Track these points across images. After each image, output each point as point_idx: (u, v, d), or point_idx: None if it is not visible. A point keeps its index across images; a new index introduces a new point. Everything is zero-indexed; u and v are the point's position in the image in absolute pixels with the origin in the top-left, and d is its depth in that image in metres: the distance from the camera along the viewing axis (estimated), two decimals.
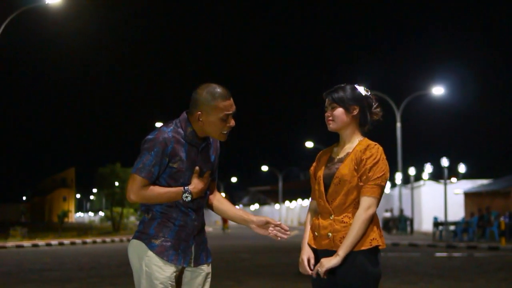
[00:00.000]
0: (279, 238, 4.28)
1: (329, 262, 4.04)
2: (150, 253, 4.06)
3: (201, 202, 4.25)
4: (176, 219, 4.11)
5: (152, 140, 4.05)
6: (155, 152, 4.02)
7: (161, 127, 4.15)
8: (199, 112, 4.06)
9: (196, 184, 4.12)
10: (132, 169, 4.08)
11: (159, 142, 4.04)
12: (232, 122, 4.14)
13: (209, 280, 4.28)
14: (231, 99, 4.12)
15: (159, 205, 4.10)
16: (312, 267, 4.21)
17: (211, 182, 4.32)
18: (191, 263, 4.16)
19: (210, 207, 4.44)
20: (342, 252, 4.04)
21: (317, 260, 4.20)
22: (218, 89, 4.08)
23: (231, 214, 4.41)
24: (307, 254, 4.26)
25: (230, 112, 4.10)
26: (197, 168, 4.14)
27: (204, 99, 4.06)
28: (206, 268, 4.25)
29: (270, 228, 4.26)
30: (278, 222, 4.28)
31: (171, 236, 4.09)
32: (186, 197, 4.08)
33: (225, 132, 4.15)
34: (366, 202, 4.09)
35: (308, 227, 4.40)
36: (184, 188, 4.08)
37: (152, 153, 4.02)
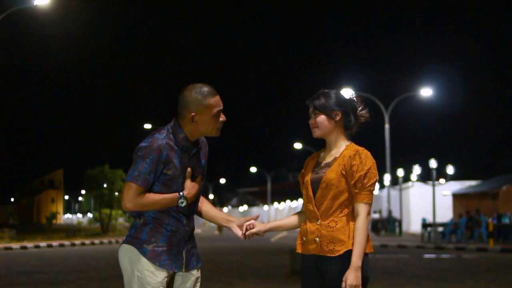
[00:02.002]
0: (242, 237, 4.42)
1: (356, 278, 4.03)
2: (142, 258, 4.07)
3: (192, 207, 4.27)
4: (168, 224, 4.13)
5: (146, 148, 4.05)
6: (150, 159, 4.02)
7: (154, 134, 4.15)
8: (193, 114, 4.09)
9: (189, 189, 4.14)
10: (127, 178, 4.06)
11: (154, 149, 4.04)
12: (223, 117, 4.20)
13: (198, 284, 4.30)
14: (218, 94, 4.19)
15: (151, 210, 4.11)
16: (244, 231, 4.37)
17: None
18: (182, 268, 4.18)
19: (199, 213, 4.48)
20: (359, 260, 4.06)
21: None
22: (205, 88, 4.13)
23: (217, 219, 4.50)
24: (255, 223, 4.43)
25: (221, 107, 4.17)
26: (189, 170, 4.16)
27: (195, 100, 4.09)
28: (196, 273, 4.28)
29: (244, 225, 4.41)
30: (253, 219, 4.44)
31: (163, 242, 4.10)
32: (182, 202, 4.10)
33: (218, 128, 4.20)
34: (364, 209, 4.13)
35: (288, 218, 4.56)
36: (179, 194, 4.09)
37: (148, 160, 4.02)
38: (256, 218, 4.50)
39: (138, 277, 4.06)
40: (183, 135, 4.15)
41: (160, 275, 4.07)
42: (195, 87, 4.13)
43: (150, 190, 4.08)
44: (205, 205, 4.49)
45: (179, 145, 4.14)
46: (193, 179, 4.19)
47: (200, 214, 4.50)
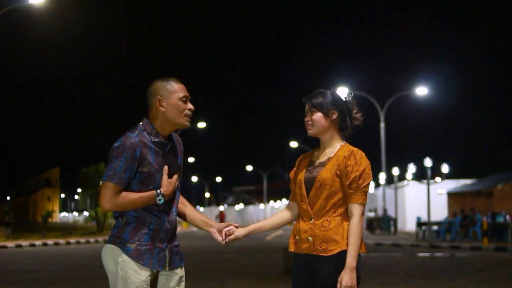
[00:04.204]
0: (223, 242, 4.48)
1: (351, 279, 4.06)
2: (125, 257, 4.07)
3: (172, 204, 4.28)
4: (150, 223, 4.14)
5: (119, 147, 4.08)
6: (125, 157, 4.04)
7: (126, 133, 4.17)
8: (159, 97, 4.18)
9: (166, 186, 4.15)
10: (103, 178, 4.08)
11: (127, 147, 4.06)
12: (191, 106, 4.27)
13: (183, 283, 4.31)
14: (183, 84, 4.30)
15: (133, 209, 4.12)
16: (224, 237, 4.43)
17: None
18: (166, 267, 4.19)
19: (183, 217, 4.52)
20: (353, 261, 4.08)
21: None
22: (170, 78, 4.27)
23: (198, 222, 4.54)
24: (233, 229, 4.48)
25: (187, 94, 4.25)
26: (165, 167, 4.18)
27: (160, 86, 4.22)
28: (180, 272, 4.28)
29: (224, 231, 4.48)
30: (234, 226, 4.50)
31: (146, 240, 4.11)
32: (160, 200, 4.11)
33: (187, 114, 4.25)
34: (359, 209, 4.15)
35: (268, 219, 4.61)
36: (156, 192, 4.11)
37: (122, 158, 4.04)
38: (237, 227, 4.51)
39: (122, 276, 4.07)
40: (155, 131, 4.20)
41: (143, 274, 4.07)
42: (160, 79, 4.28)
43: (127, 189, 4.10)
44: (188, 208, 4.51)
45: (153, 142, 4.18)
46: (170, 176, 4.21)
47: (183, 217, 4.52)
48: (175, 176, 4.24)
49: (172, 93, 4.20)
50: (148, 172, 4.11)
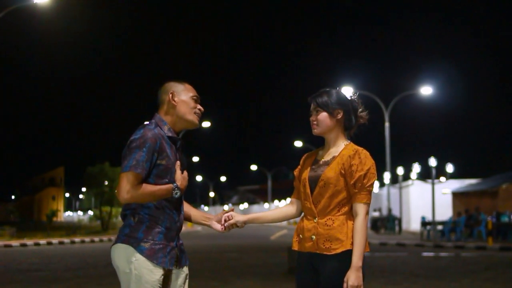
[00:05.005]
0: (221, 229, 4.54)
1: (358, 279, 4.06)
2: (140, 256, 4.07)
3: (181, 202, 4.31)
4: (163, 221, 4.15)
5: (140, 138, 4.07)
6: (147, 148, 4.04)
7: (144, 125, 4.19)
8: (171, 92, 4.30)
9: (181, 180, 4.18)
10: (124, 168, 4.03)
11: (149, 138, 4.07)
12: (201, 107, 4.38)
13: (187, 281, 4.34)
14: None
15: (147, 208, 4.11)
16: (223, 222, 4.49)
17: None
18: (176, 265, 4.21)
19: (188, 218, 4.56)
20: (359, 261, 4.08)
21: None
22: (181, 80, 4.41)
23: (197, 217, 4.60)
24: (233, 215, 4.53)
25: (197, 95, 4.37)
26: (178, 163, 4.22)
27: (173, 84, 4.36)
28: (186, 269, 4.32)
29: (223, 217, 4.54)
30: (230, 211, 4.57)
31: (159, 239, 4.12)
32: (176, 193, 4.13)
33: (197, 112, 4.35)
34: (363, 208, 4.15)
35: (269, 211, 4.67)
36: (173, 185, 4.13)
37: (144, 149, 4.04)
38: (232, 210, 4.57)
39: (136, 276, 4.06)
40: (167, 127, 4.26)
41: (157, 273, 4.08)
42: (173, 80, 4.41)
43: (145, 182, 4.09)
44: (185, 206, 4.52)
45: (167, 136, 4.23)
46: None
47: (187, 218, 4.56)
48: (186, 172, 4.28)
49: (184, 90, 4.33)
50: (165, 165, 4.13)
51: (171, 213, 4.18)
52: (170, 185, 4.12)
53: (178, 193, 4.14)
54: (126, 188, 3.99)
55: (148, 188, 4.04)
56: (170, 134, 4.24)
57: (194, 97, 4.35)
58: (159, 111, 4.33)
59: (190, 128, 4.45)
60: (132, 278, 4.08)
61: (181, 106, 4.29)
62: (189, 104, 4.31)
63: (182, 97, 4.31)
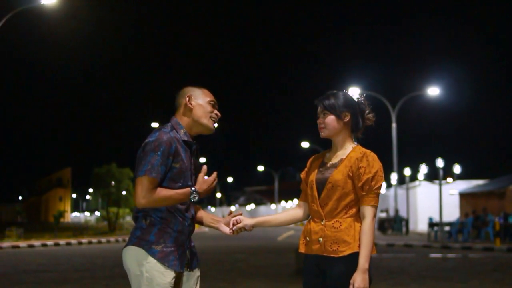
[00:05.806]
0: (230, 231, 4.49)
1: (364, 281, 4.05)
2: (151, 259, 4.07)
3: (192, 205, 4.30)
4: (175, 224, 4.14)
5: (155, 141, 4.07)
6: (162, 151, 4.04)
7: (160, 128, 4.20)
8: (188, 96, 4.30)
9: (201, 184, 4.18)
10: (139, 173, 4.03)
11: (164, 141, 4.07)
12: (218, 112, 4.39)
13: (198, 282, 4.35)
14: None
15: (159, 211, 4.11)
16: (231, 226, 4.45)
17: None
18: (187, 268, 4.23)
19: (200, 221, 4.54)
20: (366, 263, 4.07)
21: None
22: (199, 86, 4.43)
23: (205, 220, 4.57)
24: (242, 218, 4.49)
25: (215, 100, 4.38)
26: (204, 167, 4.24)
27: (190, 88, 4.37)
28: (197, 271, 4.34)
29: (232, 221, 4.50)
30: (239, 215, 4.53)
31: (171, 242, 4.12)
32: (194, 197, 4.14)
33: (213, 117, 4.35)
34: (371, 211, 4.15)
35: (278, 214, 4.62)
36: (191, 189, 4.13)
37: (159, 153, 4.04)
38: (240, 214, 4.54)
39: (147, 278, 4.06)
40: (183, 130, 4.26)
41: (169, 276, 4.09)
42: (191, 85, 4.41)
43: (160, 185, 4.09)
44: (195, 208, 4.50)
45: (182, 140, 4.22)
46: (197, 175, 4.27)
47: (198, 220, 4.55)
48: (214, 175, 4.28)
49: (202, 95, 4.35)
50: (179, 168, 4.13)
51: (183, 216, 4.18)
52: (188, 189, 4.12)
53: (197, 197, 4.14)
54: (142, 193, 4.00)
55: (164, 192, 4.04)
56: (185, 139, 4.24)
57: (211, 102, 4.35)
58: (176, 114, 4.34)
59: (206, 133, 4.40)
60: (143, 280, 4.08)
61: (197, 110, 4.29)
62: (206, 108, 4.32)
63: (199, 101, 4.32)
